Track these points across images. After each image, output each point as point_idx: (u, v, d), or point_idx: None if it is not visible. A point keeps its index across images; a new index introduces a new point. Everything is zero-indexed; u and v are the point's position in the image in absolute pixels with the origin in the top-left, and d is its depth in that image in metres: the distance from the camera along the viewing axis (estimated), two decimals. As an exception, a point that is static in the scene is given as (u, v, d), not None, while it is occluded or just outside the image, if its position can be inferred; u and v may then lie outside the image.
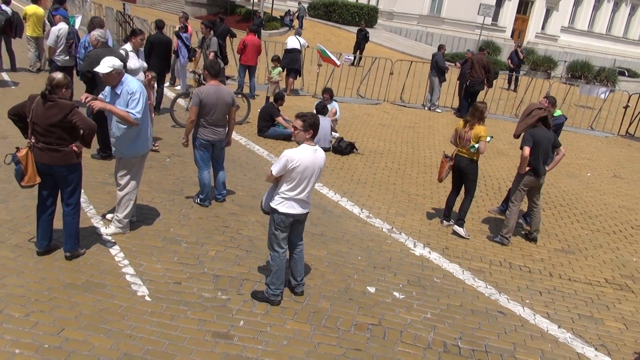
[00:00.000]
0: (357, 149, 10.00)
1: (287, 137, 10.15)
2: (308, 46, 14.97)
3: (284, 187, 4.40)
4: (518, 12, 37.17)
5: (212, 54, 10.77)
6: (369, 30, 39.11)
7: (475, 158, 6.85)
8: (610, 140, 14.63)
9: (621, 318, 5.50)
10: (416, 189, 8.52)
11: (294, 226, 4.62)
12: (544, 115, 6.62)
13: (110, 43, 8.13)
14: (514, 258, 6.57)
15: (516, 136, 7.23)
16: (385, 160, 9.83)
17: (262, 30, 31.62)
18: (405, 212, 7.50)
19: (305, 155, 4.33)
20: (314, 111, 10.09)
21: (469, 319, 5.00)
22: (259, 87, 13.60)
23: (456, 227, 6.97)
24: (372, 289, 5.25)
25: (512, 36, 37.53)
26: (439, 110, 14.99)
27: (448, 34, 36.20)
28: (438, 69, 14.75)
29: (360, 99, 15.31)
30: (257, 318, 4.52)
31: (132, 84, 5.14)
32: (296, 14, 35.21)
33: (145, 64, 8.11)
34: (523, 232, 7.31)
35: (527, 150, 6.50)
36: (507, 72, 22.20)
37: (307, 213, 4.63)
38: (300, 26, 35.38)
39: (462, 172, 6.92)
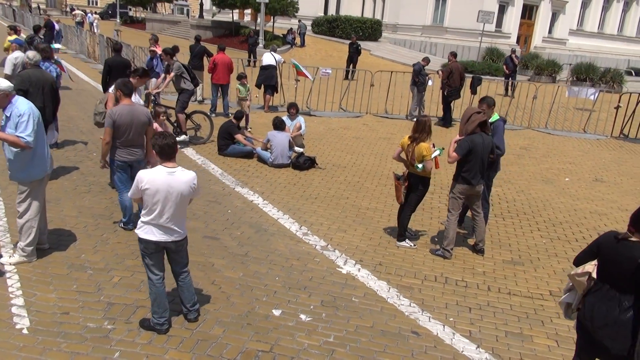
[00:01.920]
0: (317, 164, 9.73)
1: (247, 155, 9.95)
2: (284, 62, 14.84)
3: (142, 211, 4.15)
4: (522, 17, 36.62)
5: (169, 76, 10.62)
6: (373, 44, 39.29)
7: (427, 176, 6.51)
8: (600, 143, 14.06)
9: (555, 334, 5.07)
10: (369, 203, 8.19)
11: (168, 255, 4.36)
12: (483, 119, 6.27)
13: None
14: (454, 272, 6.18)
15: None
16: (346, 174, 9.53)
17: (263, 49, 31.79)
18: (349, 228, 7.18)
19: (156, 177, 4.07)
20: (272, 126, 9.91)
21: (376, 341, 4.65)
22: (233, 104, 13.49)
23: (398, 243, 6.68)
24: (277, 312, 4.94)
25: (517, 42, 36.96)
26: (418, 120, 14.62)
27: (452, 43, 35.82)
28: (417, 80, 14.44)
29: (342, 112, 15.08)
30: (137, 349, 4.26)
31: (22, 106, 5.00)
32: (297, 31, 35.33)
33: (141, 101, 7.87)
34: (472, 244, 6.92)
35: (454, 156, 6.17)
36: (504, 78, 21.73)
37: (177, 241, 4.32)
38: (302, 43, 35.62)
39: (411, 187, 6.59)
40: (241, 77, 12.38)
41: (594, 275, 3.66)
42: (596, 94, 14.79)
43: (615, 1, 42.81)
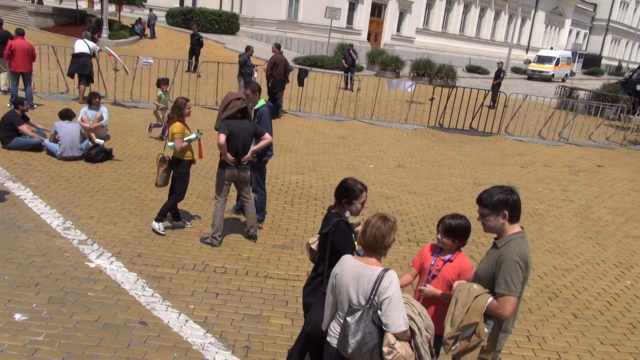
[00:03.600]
0: (113, 156, 9.24)
1: (34, 148, 9.18)
2: (100, 50, 13.99)
3: None
4: (372, 15, 38.23)
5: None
6: (230, 37, 38.80)
7: (181, 157, 6.40)
8: (416, 132, 14.98)
9: (294, 313, 5.15)
10: (156, 194, 7.87)
11: None
12: (243, 106, 6.24)
13: None
14: (217, 259, 6.11)
15: (217, 128, 6.83)
16: (143, 166, 9.14)
17: (108, 40, 30.04)
18: (121, 220, 6.84)
19: None
20: (59, 116, 9.25)
21: (93, 336, 4.40)
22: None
23: (153, 223, 6.50)
24: (-12, 313, 4.51)
25: (368, 39, 38.54)
26: (246, 112, 14.59)
27: (305, 38, 36.50)
28: (243, 71, 14.38)
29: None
30: None
31: None
32: (147, 22, 33.83)
33: None
34: (250, 232, 6.90)
35: (221, 137, 6.07)
36: (343, 72, 22.46)
37: None
38: (152, 34, 34.16)
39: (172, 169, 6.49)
40: (161, 83, 10.90)
41: (314, 247, 3.90)
42: (413, 87, 15.74)
43: (456, 3, 46.27)
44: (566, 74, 44.89)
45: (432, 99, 15.49)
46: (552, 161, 13.30)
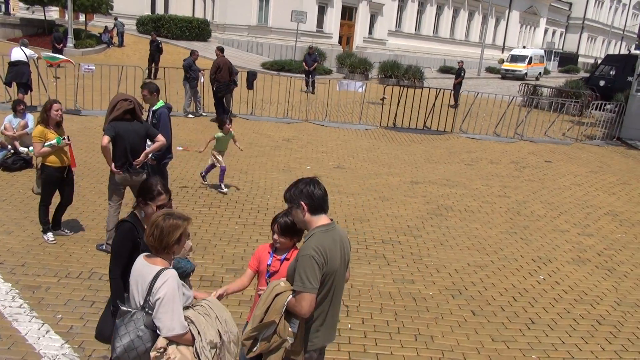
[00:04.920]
0: (33, 165, 8.99)
1: (-50, 158, 8.91)
2: (39, 57, 13.73)
3: None
4: (343, 18, 38.14)
5: None
6: (201, 44, 38.59)
7: (44, 162, 6.24)
8: (368, 132, 14.84)
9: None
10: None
11: None
12: (130, 107, 6.02)
13: None
14: (106, 267, 5.80)
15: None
16: (63, 173, 8.89)
17: (74, 49, 29.74)
18: (18, 229, 6.61)
19: None
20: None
21: None
22: None
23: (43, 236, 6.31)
24: None
25: (340, 42, 38.45)
26: (191, 116, 14.39)
27: (276, 43, 36.38)
28: (188, 75, 14.18)
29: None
30: None
31: None
32: (115, 30, 33.56)
33: None
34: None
35: (104, 139, 5.85)
36: (304, 76, 22.30)
37: None
38: (121, 42, 33.88)
39: None
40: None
41: None
42: (363, 87, 15.61)
43: (429, 5, 46.38)
44: (539, 73, 45.14)
45: (382, 99, 15.36)
46: (499, 158, 13.20)
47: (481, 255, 7.19)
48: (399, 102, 15.39)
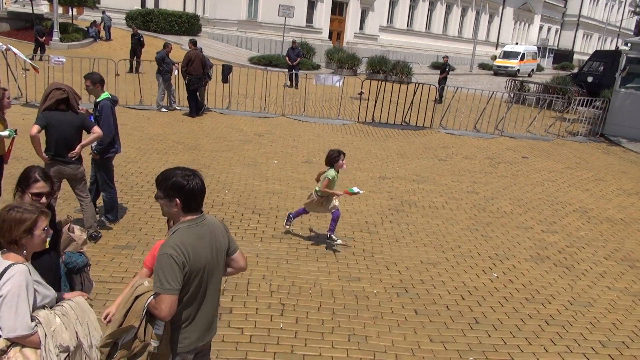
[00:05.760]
0: None
1: None
2: (8, 49, 13.42)
3: None
4: (333, 13, 37.87)
5: None
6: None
7: None
8: (344, 127, 14.61)
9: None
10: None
11: None
12: (62, 97, 5.79)
13: None
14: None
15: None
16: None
17: (60, 42, 29.51)
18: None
19: None
20: None
21: None
22: None
23: None
24: None
25: (330, 37, 38.19)
26: (164, 110, 14.14)
27: (265, 38, 36.11)
28: (161, 68, 13.93)
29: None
30: None
31: None
32: (102, 24, 33.28)
33: None
34: (89, 232, 6.46)
35: (34, 128, 5.61)
36: (287, 70, 22.05)
37: None
38: (108, 37, 33.59)
39: None
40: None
41: None
42: (340, 81, 15.38)
43: (421, 1, 46.10)
44: (532, 69, 44.90)
45: (360, 94, 15.13)
46: (475, 153, 12.99)
47: (436, 252, 6.98)
48: (376, 97, 15.16)
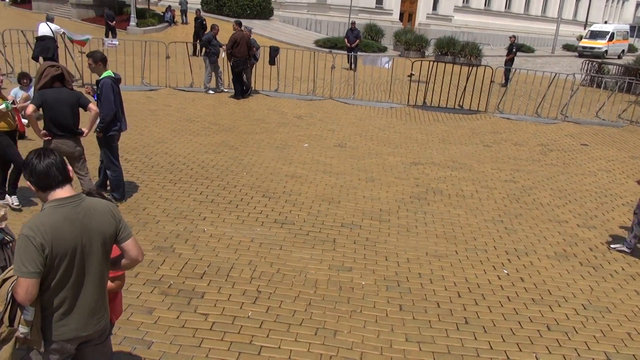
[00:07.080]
0: (26, 136, 9.19)
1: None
2: (64, 33, 14.05)
3: None
4: (405, -7, 36.87)
5: None
6: (261, 22, 38.61)
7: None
8: (391, 110, 14.11)
9: None
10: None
11: None
12: (57, 73, 5.86)
13: None
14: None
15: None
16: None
17: (136, 27, 30.73)
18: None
19: None
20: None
21: None
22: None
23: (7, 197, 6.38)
24: None
25: (401, 19, 37.20)
26: (211, 92, 14.26)
27: (335, 20, 35.77)
28: (208, 50, 14.04)
29: (142, 86, 14.48)
30: None
31: None
32: (180, 9, 34.35)
33: None
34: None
35: (29, 107, 5.74)
36: (346, 52, 21.64)
37: None
38: (185, 21, 34.60)
39: None
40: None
41: None
42: (389, 63, 14.83)
43: (501, -22, 43.79)
44: (623, 50, 41.40)
45: (411, 76, 14.53)
46: (528, 140, 12.10)
47: (447, 244, 6.51)
48: (427, 80, 14.50)
